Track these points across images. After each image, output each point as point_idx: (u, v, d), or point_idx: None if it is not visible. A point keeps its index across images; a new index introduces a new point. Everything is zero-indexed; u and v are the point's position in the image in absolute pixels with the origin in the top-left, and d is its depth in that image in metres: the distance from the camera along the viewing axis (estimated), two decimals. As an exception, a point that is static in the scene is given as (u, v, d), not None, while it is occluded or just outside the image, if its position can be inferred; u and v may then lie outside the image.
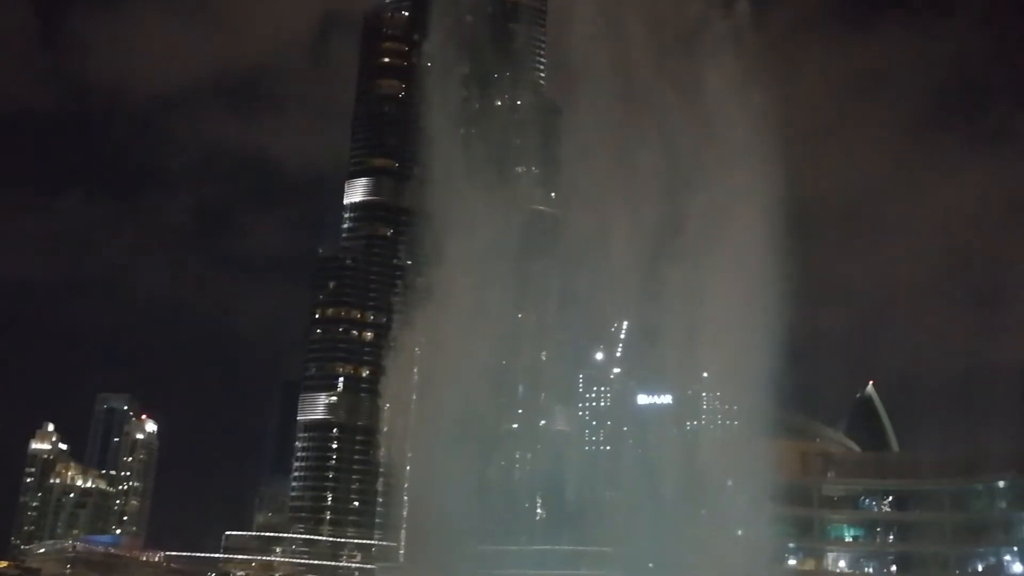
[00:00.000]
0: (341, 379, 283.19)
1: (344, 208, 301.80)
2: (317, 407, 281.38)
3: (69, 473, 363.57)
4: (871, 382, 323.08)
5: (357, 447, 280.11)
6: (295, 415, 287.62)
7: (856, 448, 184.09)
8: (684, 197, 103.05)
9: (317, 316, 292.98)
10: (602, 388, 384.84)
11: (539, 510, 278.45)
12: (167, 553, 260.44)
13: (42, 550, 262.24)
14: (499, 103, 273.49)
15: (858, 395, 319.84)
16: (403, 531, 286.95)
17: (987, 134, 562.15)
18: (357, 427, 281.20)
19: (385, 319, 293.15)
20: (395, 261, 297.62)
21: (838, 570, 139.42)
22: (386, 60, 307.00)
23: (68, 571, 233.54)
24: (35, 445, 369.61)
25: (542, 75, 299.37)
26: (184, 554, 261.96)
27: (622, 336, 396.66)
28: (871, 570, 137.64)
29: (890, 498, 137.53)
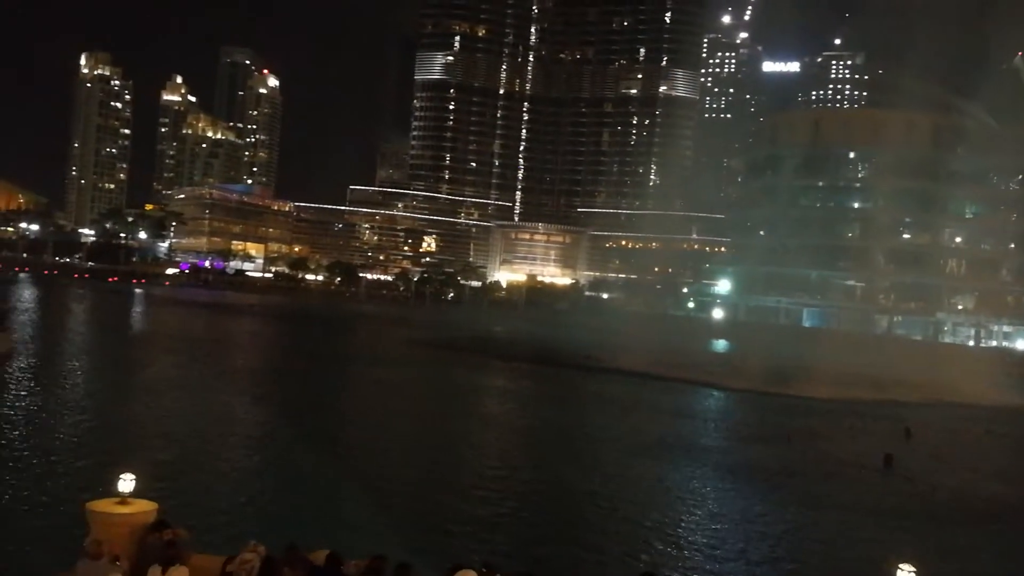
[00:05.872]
0: (458, 38, 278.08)
1: None
2: (434, 66, 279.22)
3: (200, 124, 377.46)
4: (1019, 53, 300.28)
5: (474, 108, 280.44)
6: (413, 74, 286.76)
7: (994, 123, 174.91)
8: None
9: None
10: (727, 54, 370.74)
11: (652, 176, 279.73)
12: (296, 204, 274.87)
13: (182, 196, 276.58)
14: None
15: (1004, 66, 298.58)
16: (518, 192, 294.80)
17: None
18: (474, 88, 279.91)
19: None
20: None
21: (953, 245, 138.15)
22: None
23: (207, 215, 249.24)
24: (166, 97, 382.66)
25: None
26: (312, 205, 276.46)
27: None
28: (987, 246, 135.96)
29: (1021, 176, 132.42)
